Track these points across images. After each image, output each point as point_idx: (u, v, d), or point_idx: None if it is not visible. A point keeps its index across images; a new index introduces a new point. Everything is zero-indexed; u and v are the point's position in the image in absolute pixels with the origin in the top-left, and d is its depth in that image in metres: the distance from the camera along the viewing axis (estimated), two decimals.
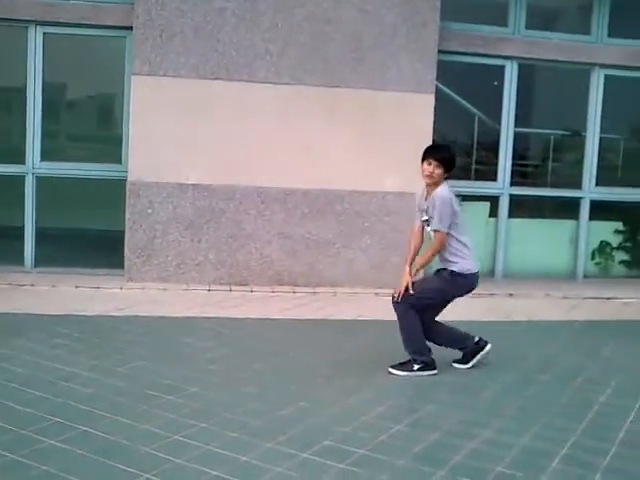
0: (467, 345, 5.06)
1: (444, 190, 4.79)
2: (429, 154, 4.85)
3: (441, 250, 4.85)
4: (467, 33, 7.98)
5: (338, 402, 4.27)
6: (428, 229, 4.89)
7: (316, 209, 7.46)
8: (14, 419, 3.76)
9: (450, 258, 4.85)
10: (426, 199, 4.90)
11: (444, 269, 4.91)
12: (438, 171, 4.78)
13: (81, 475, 3.17)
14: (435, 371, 4.88)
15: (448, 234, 4.79)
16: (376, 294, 7.33)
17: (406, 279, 4.82)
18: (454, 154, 4.94)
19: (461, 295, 4.99)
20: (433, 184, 4.82)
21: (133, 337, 5.43)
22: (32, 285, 6.97)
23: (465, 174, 8.53)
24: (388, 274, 7.53)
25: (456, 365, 5.08)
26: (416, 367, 4.86)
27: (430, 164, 4.79)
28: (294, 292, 7.26)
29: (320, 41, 7.36)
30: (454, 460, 3.52)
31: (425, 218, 4.90)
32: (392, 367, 4.88)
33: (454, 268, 4.84)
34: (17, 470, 3.21)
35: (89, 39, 7.60)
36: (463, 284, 4.91)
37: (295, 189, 7.42)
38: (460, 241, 4.85)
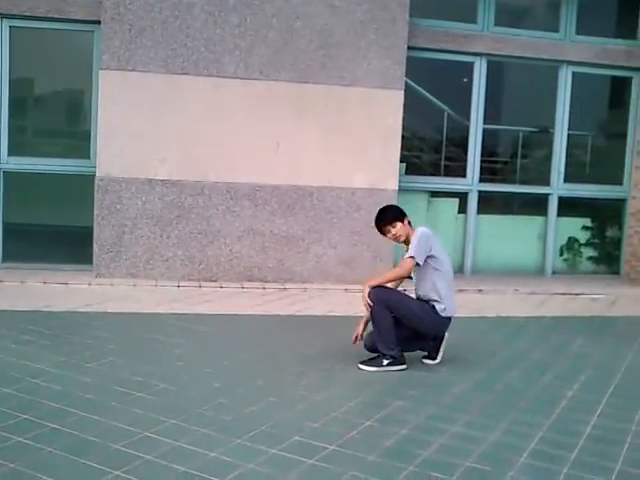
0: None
1: (423, 228, 4.94)
2: (379, 226, 4.99)
3: (403, 277, 4.95)
4: (436, 30, 8.04)
5: (307, 398, 4.28)
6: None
7: (285, 205, 7.47)
8: None
9: (434, 296, 4.94)
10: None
11: (426, 302, 4.99)
12: (395, 230, 4.92)
13: (51, 473, 3.14)
14: (404, 366, 4.91)
15: (436, 271, 4.90)
16: (346, 290, 7.37)
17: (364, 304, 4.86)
18: (394, 207, 5.17)
19: (429, 334, 5.08)
20: (405, 241, 4.97)
21: (102, 333, 5.39)
22: (0, 281, 6.90)
23: (434, 170, 8.61)
24: (358, 270, 7.59)
25: (425, 361, 5.12)
26: (385, 362, 4.88)
27: (387, 233, 4.96)
28: (264, 288, 7.26)
29: (289, 37, 7.35)
30: (424, 455, 3.54)
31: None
32: (362, 363, 4.90)
33: (436, 306, 4.94)
34: None
35: (57, 33, 7.52)
36: (439, 324, 5.00)
37: (264, 185, 7.42)
38: (446, 282, 4.98)
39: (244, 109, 7.32)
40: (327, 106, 7.46)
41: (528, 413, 4.21)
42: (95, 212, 7.19)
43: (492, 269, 8.55)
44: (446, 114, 8.53)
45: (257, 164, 7.37)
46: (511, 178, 9.09)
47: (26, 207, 7.78)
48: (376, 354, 4.93)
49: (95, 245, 7.23)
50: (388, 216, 4.99)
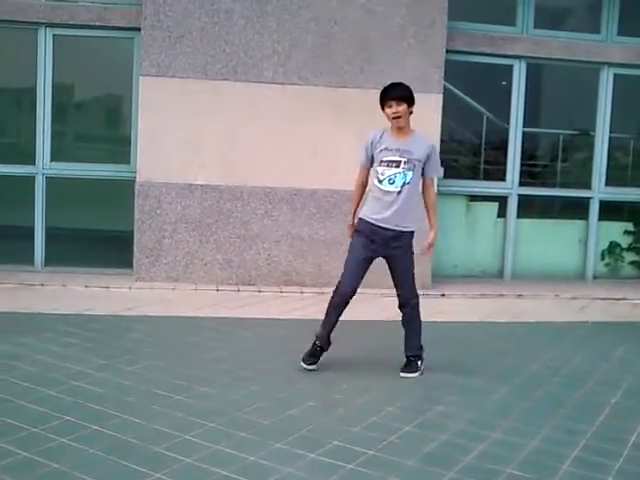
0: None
1: (429, 139, 4.76)
2: (387, 96, 4.60)
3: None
4: (475, 33, 7.97)
5: (346, 402, 4.28)
6: (396, 171, 4.53)
7: (323, 209, 7.47)
8: (26, 417, 3.79)
9: (418, 215, 4.69)
10: (397, 139, 4.60)
11: (409, 232, 4.67)
12: (401, 108, 4.53)
13: (92, 474, 3.19)
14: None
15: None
16: (383, 295, 7.33)
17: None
18: (409, 88, 4.65)
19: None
20: (405, 124, 4.60)
21: (142, 337, 5.45)
22: (42, 284, 7.00)
23: (473, 174, 8.53)
24: None
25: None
26: (419, 363, 4.88)
27: (391, 106, 4.54)
28: (302, 292, 7.27)
29: (327, 42, 7.36)
30: (464, 461, 3.51)
31: (398, 159, 4.54)
32: (403, 371, 4.86)
33: (413, 228, 4.70)
34: (29, 468, 3.23)
35: (98, 40, 7.63)
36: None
37: (302, 189, 7.43)
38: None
39: (282, 114, 7.34)
40: (365, 110, 7.40)
41: (570, 420, 4.15)
42: (135, 217, 7.27)
43: (532, 274, 8.44)
44: (485, 117, 8.45)
45: (295, 168, 7.39)
46: (551, 182, 8.96)
47: (68, 212, 7.90)
48: (323, 346, 4.85)
49: (135, 249, 7.31)
50: (406, 93, 4.56)
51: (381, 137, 4.66)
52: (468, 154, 8.81)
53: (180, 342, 5.36)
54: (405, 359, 4.90)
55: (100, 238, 8.00)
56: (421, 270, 7.49)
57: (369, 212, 4.67)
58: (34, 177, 7.52)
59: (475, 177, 8.48)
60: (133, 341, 5.32)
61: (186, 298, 6.86)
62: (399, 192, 4.56)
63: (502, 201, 8.37)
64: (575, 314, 7.10)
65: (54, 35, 7.46)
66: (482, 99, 8.38)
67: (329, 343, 4.91)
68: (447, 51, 7.58)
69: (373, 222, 4.64)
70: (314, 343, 4.89)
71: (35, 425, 3.68)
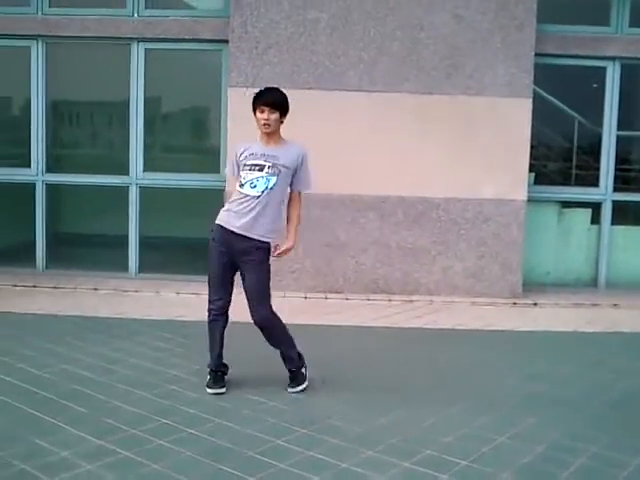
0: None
1: (305, 147, 4.47)
2: (260, 100, 4.34)
3: None
4: (566, 35, 7.77)
5: (437, 412, 4.22)
6: (259, 175, 4.28)
7: (411, 216, 7.42)
8: (124, 419, 3.92)
9: (277, 227, 4.40)
10: (266, 146, 4.39)
11: (264, 243, 4.35)
12: (273, 116, 4.29)
13: (190, 475, 3.26)
14: None
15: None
16: (473, 303, 7.24)
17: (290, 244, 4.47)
18: (284, 95, 4.40)
19: None
20: (272, 132, 4.36)
21: (239, 343, 5.51)
22: (136, 291, 7.23)
23: (565, 180, 8.32)
24: (485, 282, 7.44)
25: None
26: (304, 371, 4.60)
27: (263, 111, 4.30)
28: (389, 300, 7.23)
29: (413, 48, 7.32)
30: (563, 476, 3.41)
31: (262, 163, 4.30)
32: (290, 387, 4.52)
33: (269, 239, 4.39)
34: (130, 467, 3.34)
35: (187, 53, 7.83)
36: None
37: (390, 196, 7.40)
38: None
39: (368, 121, 7.34)
40: (453, 116, 7.36)
41: None
42: None
43: (628, 282, 8.13)
44: (576, 121, 8.22)
45: (382, 176, 7.37)
46: None
47: (160, 220, 8.13)
48: (221, 369, 4.53)
49: None
50: (277, 100, 4.33)
51: (249, 147, 4.44)
52: (559, 159, 8.59)
53: (270, 349, 5.39)
54: (289, 374, 4.58)
55: (191, 246, 8.18)
56: (511, 278, 7.42)
57: (224, 221, 4.38)
58: (128, 187, 7.78)
59: (567, 183, 8.26)
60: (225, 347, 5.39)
61: (275, 306, 6.91)
62: (258, 197, 4.27)
63: (595, 207, 8.11)
64: None
65: (146, 49, 7.69)
66: (573, 102, 8.15)
67: (225, 364, 4.60)
68: (536, 54, 7.42)
69: (228, 229, 4.34)
70: (211, 370, 4.52)
71: (134, 426, 3.80)
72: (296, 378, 4.55)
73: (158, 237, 8.18)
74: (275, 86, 4.57)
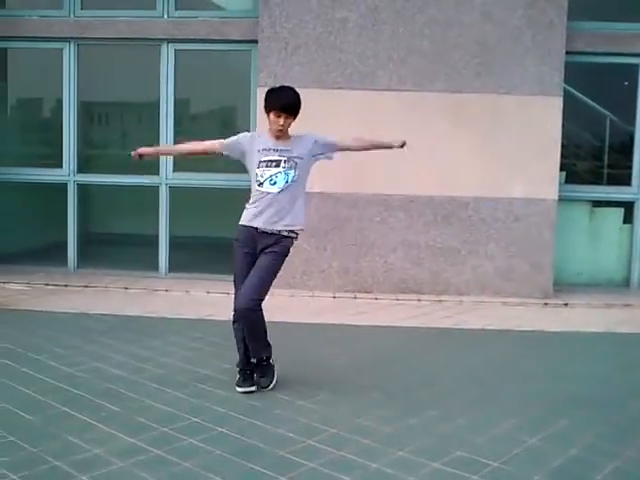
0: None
1: (310, 131, 4.47)
2: (277, 104, 4.27)
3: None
4: (597, 32, 7.67)
5: (468, 412, 4.20)
6: (277, 170, 4.29)
7: (441, 216, 7.38)
8: (155, 417, 3.95)
9: (300, 220, 4.38)
10: (276, 142, 4.35)
11: (289, 237, 4.36)
12: (289, 121, 4.29)
13: (221, 474, 3.28)
14: None
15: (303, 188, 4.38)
16: (503, 303, 7.18)
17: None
18: (299, 97, 4.34)
19: None
20: (283, 135, 4.34)
21: None
22: (166, 290, 7.29)
23: (596, 179, 8.22)
24: (515, 282, 7.38)
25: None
26: (273, 364, 4.52)
27: (279, 116, 4.24)
28: (419, 300, 7.20)
29: (442, 47, 7.29)
30: (596, 479, 3.37)
31: (277, 158, 4.30)
32: (263, 386, 4.44)
33: (294, 228, 4.38)
34: (162, 465, 3.36)
35: (216, 54, 7.88)
36: None
37: (419, 196, 7.37)
38: None
39: (397, 121, 7.31)
40: (482, 115, 7.32)
41: None
42: None
43: None
44: (608, 119, 8.12)
45: (411, 175, 7.34)
46: None
47: (189, 220, 8.18)
48: (249, 367, 4.45)
49: None
50: (296, 107, 4.30)
51: (259, 137, 4.46)
52: (590, 158, 8.49)
53: (299, 348, 5.42)
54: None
55: (220, 245, 8.19)
56: (542, 278, 7.35)
57: (247, 220, 4.39)
58: (158, 187, 7.84)
59: (598, 182, 8.16)
60: None
61: (303, 305, 6.95)
62: (280, 192, 4.28)
63: (628, 206, 8.00)
64: None
65: (176, 50, 7.75)
66: (605, 100, 8.05)
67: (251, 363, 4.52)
68: (567, 52, 7.34)
69: (252, 226, 4.34)
70: (240, 369, 4.52)
71: (165, 425, 3.83)
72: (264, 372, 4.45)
73: (188, 236, 8.24)
74: (289, 85, 4.52)
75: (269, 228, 4.31)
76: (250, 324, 4.31)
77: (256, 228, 4.32)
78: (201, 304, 6.81)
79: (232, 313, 4.44)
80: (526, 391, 4.64)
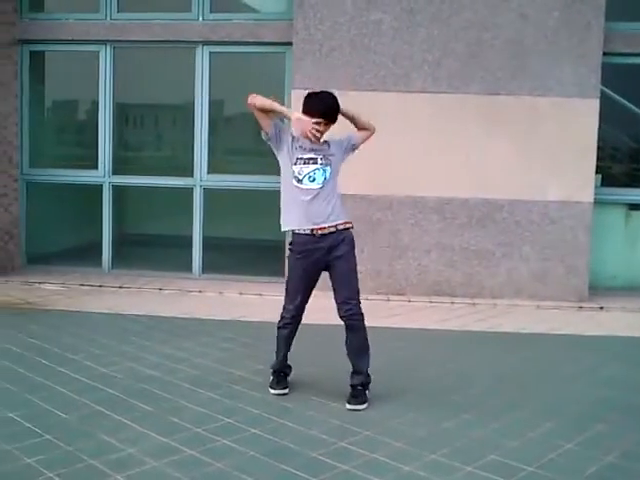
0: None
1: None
2: (318, 111, 4.26)
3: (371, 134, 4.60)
4: (635, 33, 7.56)
5: (502, 416, 4.16)
6: (314, 167, 4.28)
7: (475, 218, 7.33)
8: (189, 418, 3.97)
9: (343, 209, 4.38)
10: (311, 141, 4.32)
11: (345, 230, 4.34)
12: (327, 128, 4.30)
13: (254, 475, 3.29)
14: None
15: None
16: (537, 306, 7.11)
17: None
18: (338, 104, 4.35)
19: None
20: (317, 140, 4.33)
21: (296, 344, 5.53)
22: (200, 291, 7.33)
23: (633, 181, 8.09)
24: (550, 286, 7.30)
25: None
26: (367, 393, 4.36)
27: (319, 123, 4.23)
28: (452, 303, 7.16)
29: (478, 48, 7.24)
30: None
31: (314, 156, 4.30)
32: (350, 403, 4.25)
33: (349, 219, 4.39)
34: (195, 465, 3.39)
35: (251, 56, 7.91)
36: None
37: (453, 198, 7.33)
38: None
39: (432, 123, 7.29)
40: (518, 117, 7.25)
41: None
42: None
43: None
44: None
45: (445, 178, 7.30)
46: None
47: (223, 221, 8.23)
48: (284, 370, 4.54)
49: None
50: (336, 115, 4.32)
51: (295, 136, 4.43)
52: (627, 160, 8.37)
53: (332, 350, 5.40)
54: (351, 389, 4.35)
55: (253, 247, 8.27)
56: (577, 282, 7.26)
57: (296, 224, 4.36)
58: (192, 189, 7.89)
59: (635, 184, 8.04)
60: None
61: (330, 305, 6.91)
62: (321, 188, 4.28)
63: None
64: None
65: (210, 53, 7.80)
66: None
67: (288, 366, 4.62)
68: (604, 53, 7.24)
69: (305, 232, 4.31)
70: (274, 371, 4.57)
71: (198, 425, 3.85)
72: (358, 396, 4.29)
73: (222, 238, 8.29)
74: (329, 91, 4.50)
75: (321, 225, 4.28)
76: (358, 332, 4.41)
77: (310, 232, 4.31)
78: (234, 305, 6.84)
79: (279, 318, 4.54)
80: (561, 395, 4.58)
